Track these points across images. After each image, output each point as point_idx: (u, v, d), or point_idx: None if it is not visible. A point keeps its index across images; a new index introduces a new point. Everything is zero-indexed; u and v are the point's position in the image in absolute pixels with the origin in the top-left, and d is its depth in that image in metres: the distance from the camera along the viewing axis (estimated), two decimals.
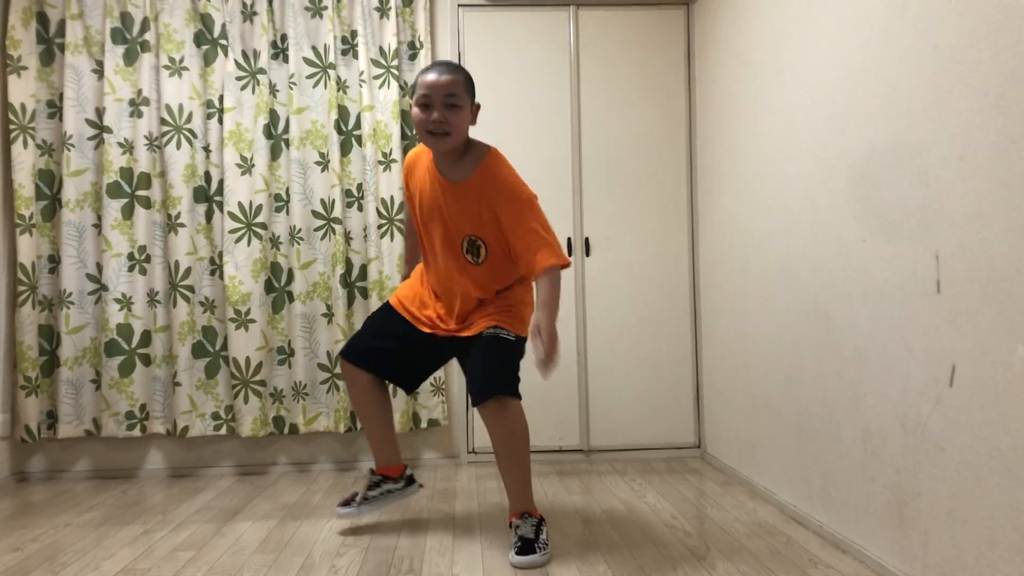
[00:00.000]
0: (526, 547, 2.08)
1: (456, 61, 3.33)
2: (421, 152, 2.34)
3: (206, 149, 3.25)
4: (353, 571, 2.07)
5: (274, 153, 3.25)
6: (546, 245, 2.13)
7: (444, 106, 2.11)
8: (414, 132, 3.28)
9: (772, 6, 2.56)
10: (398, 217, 3.25)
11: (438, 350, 2.43)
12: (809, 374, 2.35)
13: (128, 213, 3.20)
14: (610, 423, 3.40)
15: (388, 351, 2.39)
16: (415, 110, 2.15)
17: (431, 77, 2.12)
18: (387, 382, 2.46)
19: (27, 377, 3.13)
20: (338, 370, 3.21)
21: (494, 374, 2.17)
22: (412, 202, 2.37)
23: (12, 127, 3.15)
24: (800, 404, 2.41)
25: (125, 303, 3.18)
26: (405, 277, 2.60)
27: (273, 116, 3.25)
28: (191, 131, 3.22)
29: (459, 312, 2.32)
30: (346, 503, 2.42)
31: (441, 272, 2.32)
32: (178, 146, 3.21)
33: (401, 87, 3.28)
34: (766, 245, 2.65)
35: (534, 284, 2.17)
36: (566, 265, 2.14)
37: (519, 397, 2.21)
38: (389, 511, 2.63)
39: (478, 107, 2.22)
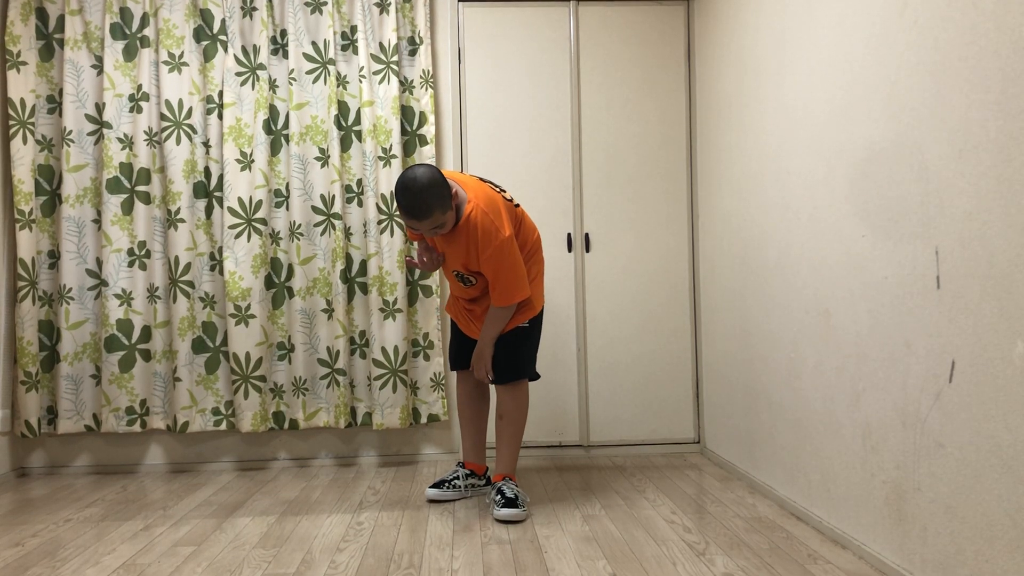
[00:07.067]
0: (510, 503, 2.47)
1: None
2: None
3: (206, 145, 3.25)
4: (353, 567, 2.07)
5: (274, 149, 3.25)
6: (503, 289, 2.50)
7: (432, 232, 2.46)
8: (414, 128, 3.28)
9: (773, 3, 2.56)
10: (398, 213, 3.24)
11: None
12: (809, 370, 2.35)
13: (128, 209, 3.20)
14: (610, 418, 3.40)
15: (464, 354, 2.80)
16: (408, 229, 2.69)
17: (413, 222, 2.40)
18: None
19: (27, 372, 3.14)
20: (338, 365, 3.22)
21: (514, 361, 2.63)
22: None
23: (12, 122, 3.15)
24: (800, 400, 2.42)
25: (125, 299, 3.18)
26: None
27: (273, 112, 3.25)
28: (191, 127, 3.22)
29: (475, 313, 2.72)
30: (436, 486, 2.73)
31: (454, 285, 2.75)
32: (178, 141, 3.20)
33: (401, 83, 3.28)
34: (766, 241, 2.65)
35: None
36: (511, 303, 2.53)
37: (536, 377, 2.71)
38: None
39: (455, 195, 2.44)
